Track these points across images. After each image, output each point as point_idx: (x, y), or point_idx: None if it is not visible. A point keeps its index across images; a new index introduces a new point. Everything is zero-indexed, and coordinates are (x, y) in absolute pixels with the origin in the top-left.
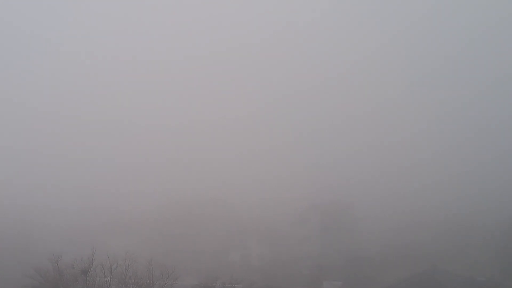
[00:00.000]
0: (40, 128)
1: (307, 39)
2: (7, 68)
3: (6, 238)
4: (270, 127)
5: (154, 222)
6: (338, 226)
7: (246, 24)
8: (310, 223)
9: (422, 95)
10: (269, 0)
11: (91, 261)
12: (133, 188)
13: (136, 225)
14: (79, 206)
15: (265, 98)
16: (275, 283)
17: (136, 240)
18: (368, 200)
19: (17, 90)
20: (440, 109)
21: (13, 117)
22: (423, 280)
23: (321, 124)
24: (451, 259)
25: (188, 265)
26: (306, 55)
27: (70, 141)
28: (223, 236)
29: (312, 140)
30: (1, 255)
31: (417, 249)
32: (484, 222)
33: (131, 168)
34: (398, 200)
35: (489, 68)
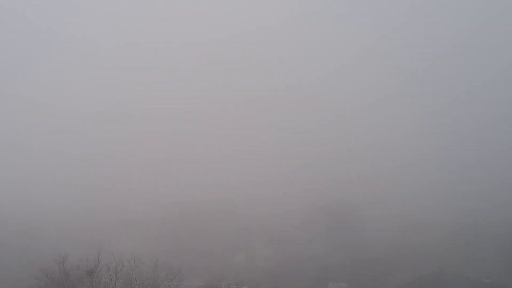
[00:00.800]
0: (44, 126)
1: (309, 39)
2: (11, 65)
3: (12, 238)
4: (275, 126)
5: (159, 222)
6: (344, 227)
7: (249, 23)
8: (316, 223)
9: (429, 93)
10: None
11: (97, 262)
12: (138, 187)
13: (141, 224)
14: (84, 205)
15: (270, 98)
16: (280, 284)
17: (141, 240)
18: (374, 201)
19: (19, 88)
20: (447, 106)
21: (15, 115)
22: (430, 282)
23: (327, 124)
24: (458, 261)
25: (193, 266)
26: (311, 55)
27: (75, 139)
28: (229, 237)
29: (318, 140)
30: (7, 255)
31: (424, 250)
32: (492, 223)
33: (136, 166)
34: (404, 201)
35: (487, 64)
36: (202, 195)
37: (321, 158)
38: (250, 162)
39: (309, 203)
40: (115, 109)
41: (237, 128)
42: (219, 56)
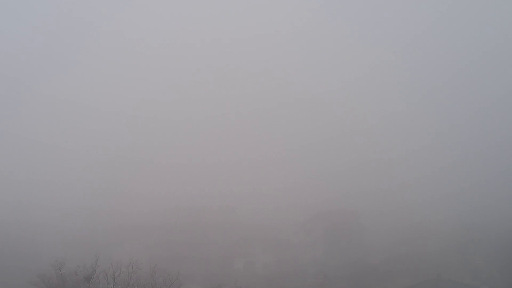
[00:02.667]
0: (45, 130)
1: (319, 49)
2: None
3: (10, 242)
4: (277, 135)
5: (158, 227)
6: (343, 235)
7: (262, 35)
8: (315, 231)
9: (429, 107)
10: (281, 5)
11: (94, 268)
12: (139, 192)
13: (141, 230)
14: (83, 209)
15: (273, 108)
16: None
17: (140, 245)
18: (373, 209)
19: (18, 93)
20: (447, 122)
21: (15, 120)
22: None
23: (328, 134)
24: (455, 268)
25: (192, 272)
26: (317, 65)
27: (75, 145)
28: (228, 243)
29: (319, 149)
30: (4, 260)
31: (422, 258)
32: (488, 231)
33: (137, 172)
34: (402, 209)
35: (494, 81)
36: (203, 202)
37: (322, 167)
38: (251, 171)
39: (309, 211)
40: (116, 114)
41: (239, 137)
42: (227, 66)
